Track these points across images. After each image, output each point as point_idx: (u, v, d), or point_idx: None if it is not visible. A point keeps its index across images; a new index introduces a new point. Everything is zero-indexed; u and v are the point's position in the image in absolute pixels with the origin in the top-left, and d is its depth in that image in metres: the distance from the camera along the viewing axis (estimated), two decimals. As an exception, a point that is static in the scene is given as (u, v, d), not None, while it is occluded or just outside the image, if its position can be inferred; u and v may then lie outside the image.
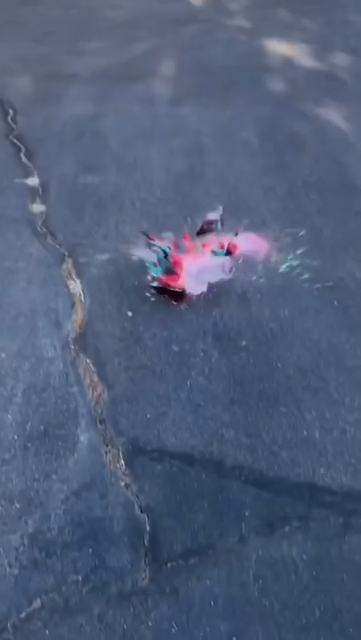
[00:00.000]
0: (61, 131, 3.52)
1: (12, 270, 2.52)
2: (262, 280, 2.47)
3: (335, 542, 1.60)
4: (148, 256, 2.36)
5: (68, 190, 3.02)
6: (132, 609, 1.46)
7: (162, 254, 2.30)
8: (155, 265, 2.33)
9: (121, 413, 1.96)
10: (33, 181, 3.09)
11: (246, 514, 1.68)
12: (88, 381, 2.07)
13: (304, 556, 1.58)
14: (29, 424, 1.93)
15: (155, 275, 2.33)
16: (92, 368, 2.11)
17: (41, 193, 3.00)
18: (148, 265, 2.36)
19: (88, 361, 2.14)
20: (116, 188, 3.03)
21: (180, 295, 2.32)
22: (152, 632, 1.42)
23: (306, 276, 2.49)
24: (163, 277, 2.32)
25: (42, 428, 1.92)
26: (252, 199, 2.94)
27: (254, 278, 2.47)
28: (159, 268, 2.32)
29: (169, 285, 2.30)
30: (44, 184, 3.06)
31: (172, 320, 2.31)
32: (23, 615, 1.45)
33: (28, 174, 3.14)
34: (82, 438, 1.88)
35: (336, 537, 1.62)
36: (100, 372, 2.10)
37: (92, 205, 2.91)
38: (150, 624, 1.43)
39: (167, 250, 2.30)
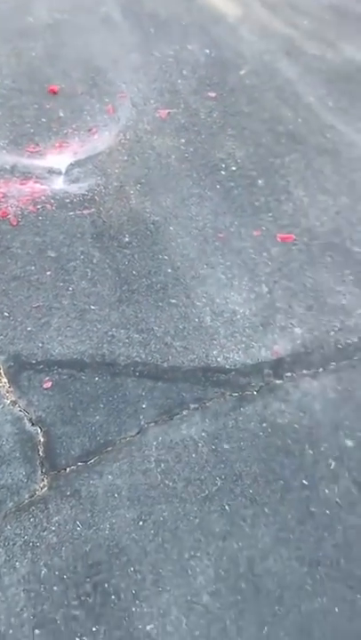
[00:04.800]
0: None
1: None
2: (139, 171, 2.27)
3: (231, 415, 1.64)
4: None
5: None
6: (32, 519, 1.41)
7: None
8: None
9: (-3, 331, 1.77)
10: None
11: (143, 406, 1.64)
12: None
13: (203, 434, 1.60)
14: None
15: None
16: None
17: None
18: None
19: None
20: None
21: None
22: (56, 535, 1.39)
23: (185, 161, 2.33)
24: None
25: None
26: (118, 81, 2.62)
27: (126, 170, 2.26)
28: None
29: None
30: None
31: (43, 224, 2.07)
32: None
33: None
34: None
35: (232, 410, 1.65)
36: (-34, 291, 1.86)
37: None
38: (53, 529, 1.39)
39: None
